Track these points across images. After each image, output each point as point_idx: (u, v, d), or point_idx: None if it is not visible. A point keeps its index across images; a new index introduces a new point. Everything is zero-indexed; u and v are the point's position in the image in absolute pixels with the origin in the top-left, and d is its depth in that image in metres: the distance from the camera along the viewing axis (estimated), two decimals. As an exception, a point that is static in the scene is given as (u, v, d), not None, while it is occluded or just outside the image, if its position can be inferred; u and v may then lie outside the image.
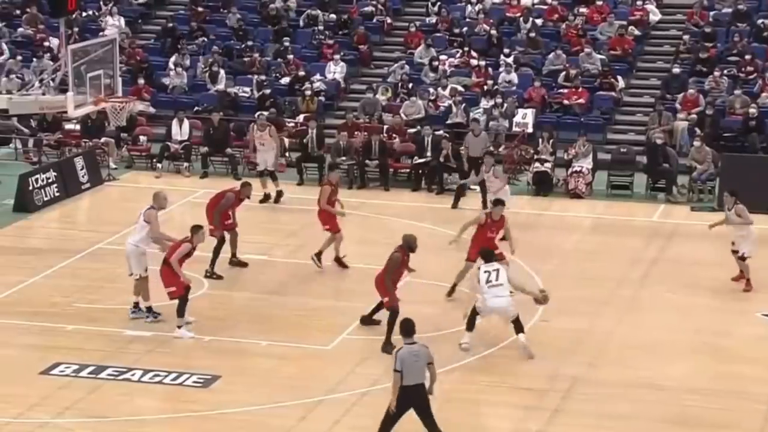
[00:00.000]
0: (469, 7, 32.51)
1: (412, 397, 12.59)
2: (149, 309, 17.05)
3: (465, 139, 24.74)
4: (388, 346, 15.69)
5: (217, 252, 18.91)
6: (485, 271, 15.86)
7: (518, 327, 15.90)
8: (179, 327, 16.48)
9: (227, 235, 19.12)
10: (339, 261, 19.48)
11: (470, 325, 16.02)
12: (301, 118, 28.53)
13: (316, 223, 19.94)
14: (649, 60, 30.95)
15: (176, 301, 16.46)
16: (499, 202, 18.45)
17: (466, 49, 30.46)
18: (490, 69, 29.77)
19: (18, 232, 21.81)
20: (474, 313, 16.06)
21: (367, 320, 16.90)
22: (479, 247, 17.43)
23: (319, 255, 19.37)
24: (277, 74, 30.37)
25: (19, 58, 30.78)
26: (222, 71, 30.02)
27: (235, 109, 29.03)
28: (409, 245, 16.61)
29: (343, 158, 25.59)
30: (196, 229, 16.63)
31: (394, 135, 26.99)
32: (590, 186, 24.98)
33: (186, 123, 26.80)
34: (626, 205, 24.22)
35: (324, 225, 19.47)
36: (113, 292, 18.13)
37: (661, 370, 15.53)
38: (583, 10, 31.75)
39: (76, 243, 20.80)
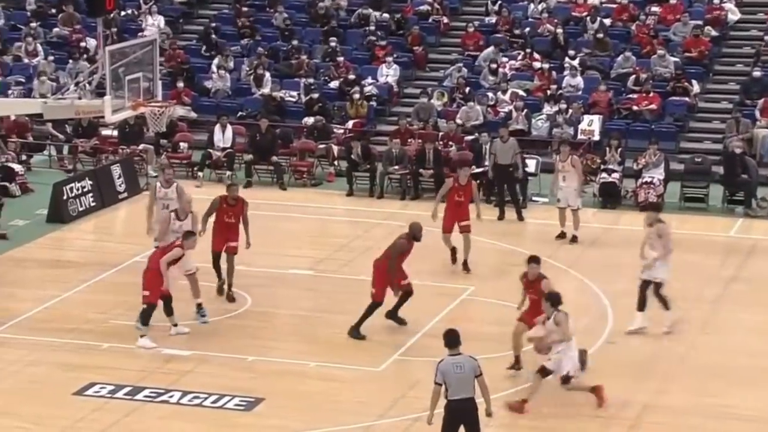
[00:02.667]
0: (532, 6, 32.45)
1: (461, 412, 12.55)
2: (198, 306, 17.52)
3: (492, 145, 24.60)
4: (355, 332, 16.92)
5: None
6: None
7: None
8: (142, 336, 16.72)
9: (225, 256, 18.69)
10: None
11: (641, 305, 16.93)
12: (350, 124, 28.63)
13: (367, 236, 20.01)
14: (727, 63, 30.68)
15: (146, 306, 16.75)
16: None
17: (528, 50, 30.40)
18: (553, 72, 29.68)
19: (52, 244, 22.06)
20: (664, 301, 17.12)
21: (393, 316, 17.33)
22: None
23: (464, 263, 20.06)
24: (326, 77, 30.50)
25: (51, 58, 31.16)
26: (267, 74, 30.20)
27: (281, 115, 29.19)
28: (414, 234, 17.27)
29: (396, 167, 25.63)
30: (188, 235, 17.02)
31: (450, 142, 26.98)
32: (662, 198, 24.77)
33: (229, 129, 26.97)
34: (701, 219, 24.00)
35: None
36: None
37: (740, 398, 15.36)
38: (655, 9, 31.56)
39: (113, 256, 20.99)
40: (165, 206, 18.97)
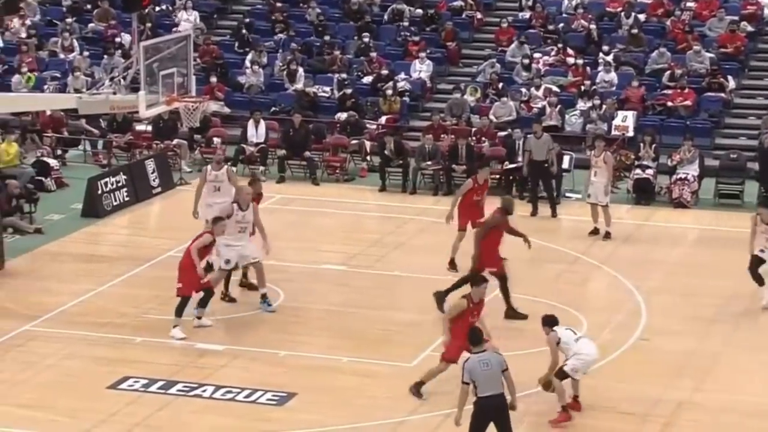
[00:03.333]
0: (566, 2, 32.30)
1: (491, 408, 12.50)
2: (263, 296, 17.80)
3: (526, 141, 24.46)
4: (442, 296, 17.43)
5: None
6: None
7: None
8: (175, 327, 16.85)
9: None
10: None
11: None
12: (383, 119, 28.59)
13: (400, 232, 19.99)
14: (762, 58, 30.43)
15: (180, 298, 16.91)
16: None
17: (561, 46, 30.26)
18: (587, 68, 29.53)
19: (86, 239, 22.15)
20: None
21: (512, 313, 17.57)
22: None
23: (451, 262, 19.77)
24: (359, 73, 30.48)
25: (87, 54, 31.29)
26: (301, 69, 30.21)
27: (314, 110, 29.19)
28: (506, 207, 17.88)
29: (429, 163, 25.58)
30: (216, 220, 17.22)
31: (483, 138, 26.90)
32: (696, 195, 24.61)
33: (262, 124, 26.99)
34: (736, 216, 23.80)
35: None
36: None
37: (774, 397, 15.22)
38: (690, 4, 31.35)
39: (147, 250, 21.06)
40: (216, 188, 19.42)
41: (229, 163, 26.36)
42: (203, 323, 17.29)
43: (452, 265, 19.66)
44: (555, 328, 14.47)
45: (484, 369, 12.56)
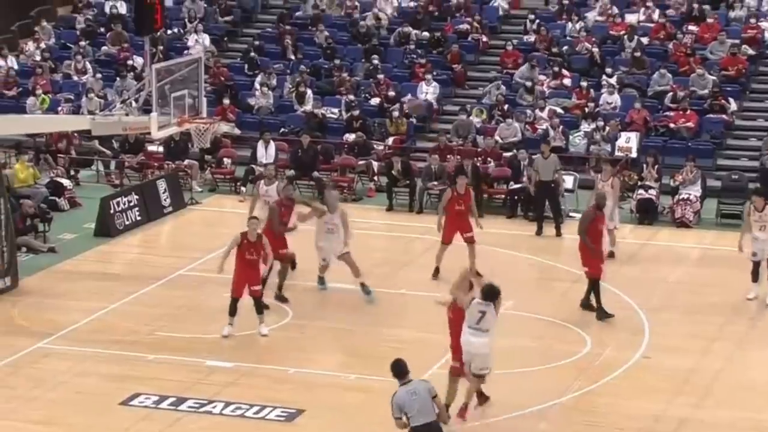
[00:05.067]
0: (570, 25, 32.38)
1: None
2: (362, 285, 18.87)
3: (534, 162, 24.55)
4: (601, 312, 18.23)
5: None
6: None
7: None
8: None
9: (278, 265, 19.22)
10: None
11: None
12: (390, 140, 28.64)
13: (406, 251, 20.04)
14: (763, 81, 30.44)
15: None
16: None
17: (557, 69, 30.22)
18: (591, 90, 29.59)
19: (99, 257, 22.20)
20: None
21: (594, 309, 18.28)
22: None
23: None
24: (367, 95, 30.56)
25: (99, 76, 31.40)
26: (309, 91, 30.29)
27: (323, 131, 29.24)
28: (599, 203, 18.64)
29: (435, 183, 25.61)
30: (250, 220, 17.90)
31: (488, 159, 26.94)
32: (698, 215, 24.61)
33: (272, 145, 27.02)
34: (737, 236, 23.76)
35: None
36: (195, 321, 18.35)
37: (775, 414, 15.20)
38: (692, 27, 31.39)
39: (158, 269, 21.10)
40: (266, 202, 20.08)
41: (239, 184, 26.59)
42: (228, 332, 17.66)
43: (436, 274, 20.17)
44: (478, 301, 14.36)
45: (413, 398, 12.31)
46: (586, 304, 18.81)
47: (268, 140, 27.02)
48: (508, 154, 26.91)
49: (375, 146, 28.17)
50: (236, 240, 17.45)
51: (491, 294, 14.31)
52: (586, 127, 28.18)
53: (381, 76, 30.56)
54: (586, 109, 28.72)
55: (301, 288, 19.65)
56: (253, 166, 26.70)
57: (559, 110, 29.00)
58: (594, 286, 18.58)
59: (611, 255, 21.68)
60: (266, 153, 26.87)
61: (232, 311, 17.61)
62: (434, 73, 30.71)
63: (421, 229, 23.71)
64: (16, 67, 32.40)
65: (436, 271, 20.32)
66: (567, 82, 30.06)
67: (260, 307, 17.67)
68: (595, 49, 30.75)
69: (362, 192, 26.94)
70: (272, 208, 19.44)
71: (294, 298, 19.20)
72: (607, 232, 21.62)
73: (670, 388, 15.98)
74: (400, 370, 12.54)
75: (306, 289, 19.66)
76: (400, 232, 23.78)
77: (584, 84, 29.59)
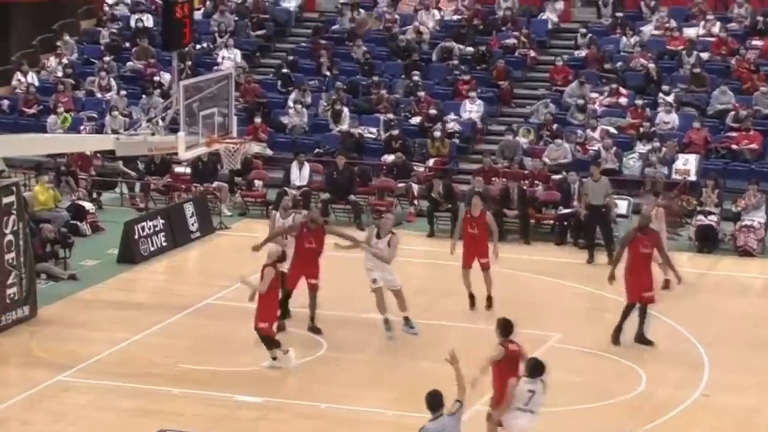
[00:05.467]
0: (624, 39, 32.35)
1: None
2: (406, 319, 18.91)
3: (584, 185, 24.52)
4: (641, 337, 18.54)
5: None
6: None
7: None
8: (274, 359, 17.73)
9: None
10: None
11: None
12: (431, 162, 28.70)
13: (448, 279, 20.04)
14: (832, 99, 30.26)
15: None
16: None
17: (614, 86, 30.19)
18: (647, 109, 29.52)
19: (122, 285, 22.35)
20: None
21: (649, 343, 18.46)
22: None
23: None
24: (407, 113, 30.64)
25: (124, 93, 31.66)
26: (346, 109, 30.43)
27: (360, 152, 29.34)
28: (640, 223, 19.15)
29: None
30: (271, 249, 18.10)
31: (536, 182, 26.93)
32: (762, 242, 24.46)
33: (306, 167, 27.15)
34: (804, 265, 23.67)
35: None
36: (223, 353, 18.42)
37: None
38: (756, 42, 31.27)
39: (184, 298, 21.21)
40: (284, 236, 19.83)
41: (270, 207, 26.70)
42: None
43: (473, 303, 20.29)
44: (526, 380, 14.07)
45: None
46: (640, 338, 18.73)
47: (302, 161, 27.19)
48: (557, 177, 26.90)
49: (415, 168, 28.24)
50: (294, 227, 18.42)
51: (538, 370, 13.95)
52: (641, 148, 28.11)
53: (422, 94, 30.65)
54: (642, 129, 28.66)
55: (337, 318, 19.65)
56: (286, 188, 26.83)
57: (612, 130, 28.95)
58: (625, 309, 18.74)
59: (666, 285, 21.45)
60: (300, 175, 27.03)
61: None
62: (479, 91, 30.77)
63: (464, 257, 23.68)
64: (36, 83, 32.76)
65: (471, 299, 20.37)
66: (621, 100, 30.00)
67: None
68: (652, 65, 30.69)
69: (401, 216, 26.97)
70: (293, 227, 19.50)
71: (328, 329, 19.22)
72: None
73: (732, 429, 15.85)
74: (434, 402, 12.53)
75: (341, 319, 19.67)
76: (441, 259, 23.69)
77: (639, 102, 29.53)
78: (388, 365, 18.12)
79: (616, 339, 18.74)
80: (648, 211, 21.40)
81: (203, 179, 27.39)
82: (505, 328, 14.36)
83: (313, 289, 19.17)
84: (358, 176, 27.37)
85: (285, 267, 18.87)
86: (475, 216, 20.36)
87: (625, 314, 18.78)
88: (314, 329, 19.19)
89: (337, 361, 18.25)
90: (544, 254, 24.29)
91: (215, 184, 27.34)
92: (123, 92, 31.73)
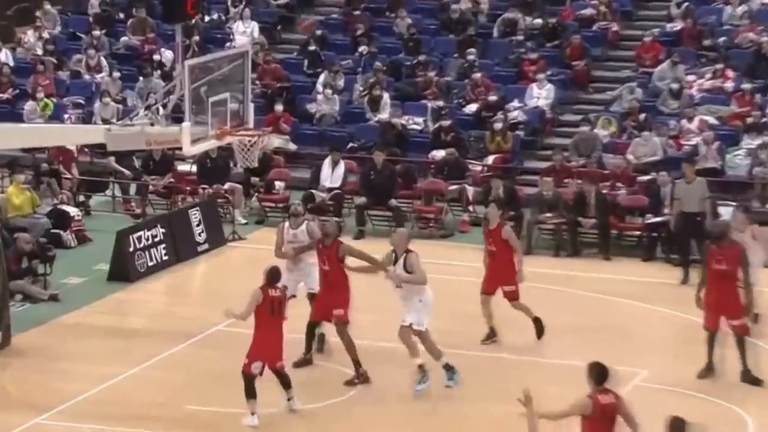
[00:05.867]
0: (729, 10, 32.26)
1: None
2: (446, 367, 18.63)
3: (675, 188, 24.49)
4: (747, 376, 18.61)
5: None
6: None
7: None
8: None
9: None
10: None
11: None
12: (490, 159, 28.73)
13: (509, 304, 20.16)
14: None
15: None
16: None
17: (721, 66, 30.18)
18: (756, 95, 29.43)
19: (114, 308, 22.49)
20: None
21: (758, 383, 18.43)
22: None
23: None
24: (461, 100, 30.71)
25: (117, 75, 31.88)
26: (386, 95, 30.53)
27: (402, 147, 29.42)
28: (713, 232, 19.46)
29: (548, 215, 25.61)
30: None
31: (618, 184, 26.90)
32: None
33: (341, 165, 27.16)
34: None
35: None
36: (232, 390, 18.46)
37: None
38: None
39: (189, 324, 21.31)
40: (294, 251, 19.60)
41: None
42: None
43: (490, 335, 20.22)
44: None
45: None
46: (746, 375, 18.67)
47: (337, 159, 27.15)
48: (644, 179, 26.87)
49: (470, 167, 28.28)
50: (311, 245, 18.44)
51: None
52: (749, 142, 28.05)
53: (478, 76, 30.70)
54: (750, 120, 28.58)
55: (373, 349, 19.63)
56: (313, 191, 26.90)
57: (713, 121, 28.89)
58: (708, 339, 18.83)
59: (755, 318, 21.12)
60: (333, 175, 27.03)
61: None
62: (548, 73, 30.79)
63: (530, 276, 23.65)
64: (11, 63, 33.04)
65: (491, 332, 20.29)
66: (725, 84, 29.88)
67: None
68: (765, 39, 30.58)
69: (453, 226, 27.01)
70: (310, 244, 19.43)
71: (363, 361, 19.20)
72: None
73: None
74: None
75: (379, 351, 19.68)
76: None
77: (747, 87, 29.47)
78: (432, 406, 18.13)
79: (704, 374, 18.77)
80: (741, 229, 21.23)
81: (213, 180, 27.53)
82: (599, 375, 14.26)
83: (337, 323, 18.84)
84: (399, 176, 27.44)
85: (312, 287, 18.98)
86: (491, 229, 20.38)
87: (710, 346, 18.79)
88: (360, 375, 18.98)
89: (374, 401, 18.28)
90: (628, 272, 24.25)
91: (227, 185, 27.47)
92: (116, 74, 31.95)
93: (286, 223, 20.31)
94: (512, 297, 20.33)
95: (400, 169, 27.82)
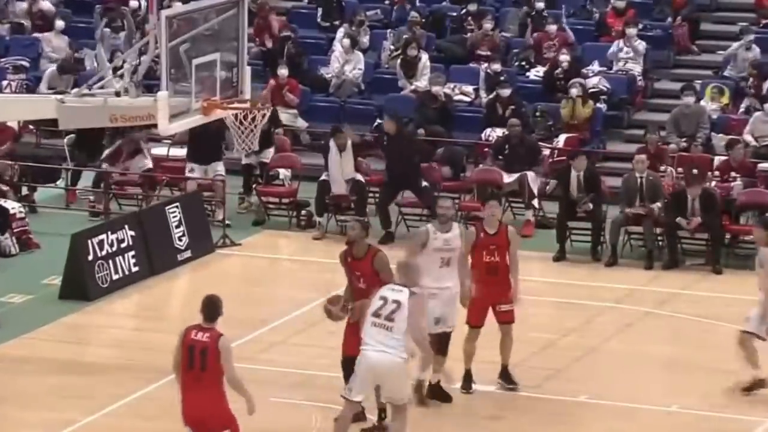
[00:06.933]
0: None
1: None
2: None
3: None
4: None
5: None
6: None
7: None
8: None
9: None
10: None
11: None
12: (562, 139, 28.72)
13: (590, 330, 20.11)
14: None
15: None
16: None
17: None
18: None
19: (68, 335, 22.52)
20: None
21: None
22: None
23: None
24: (523, 62, 30.74)
25: (62, 24, 31.95)
26: (425, 56, 30.55)
27: (446, 124, 29.40)
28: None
29: (639, 208, 25.50)
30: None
31: (732, 173, 26.84)
32: None
33: (350, 150, 27.01)
34: None
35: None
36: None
37: None
38: None
39: (164, 357, 21.37)
40: (444, 261, 19.01)
41: (304, 211, 26.81)
42: None
43: (465, 380, 19.74)
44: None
45: None
46: None
47: (344, 143, 26.89)
48: (766, 167, 26.84)
49: (541, 148, 28.24)
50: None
51: None
52: None
53: (554, 28, 30.65)
54: None
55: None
56: (328, 179, 26.83)
57: None
58: None
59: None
60: (342, 163, 26.90)
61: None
62: (639, 27, 30.77)
63: (614, 294, 23.71)
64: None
65: (467, 377, 19.69)
66: None
67: None
68: None
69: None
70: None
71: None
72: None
73: None
74: None
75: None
76: (576, 297, 23.78)
77: None
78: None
79: None
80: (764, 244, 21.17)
81: (205, 164, 27.41)
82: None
83: None
84: (443, 162, 27.39)
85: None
86: (492, 233, 19.39)
87: None
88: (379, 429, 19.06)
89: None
90: (745, 289, 24.20)
91: (216, 172, 27.41)
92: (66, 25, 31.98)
93: (430, 226, 19.42)
94: (506, 320, 19.63)
95: (444, 153, 27.79)
